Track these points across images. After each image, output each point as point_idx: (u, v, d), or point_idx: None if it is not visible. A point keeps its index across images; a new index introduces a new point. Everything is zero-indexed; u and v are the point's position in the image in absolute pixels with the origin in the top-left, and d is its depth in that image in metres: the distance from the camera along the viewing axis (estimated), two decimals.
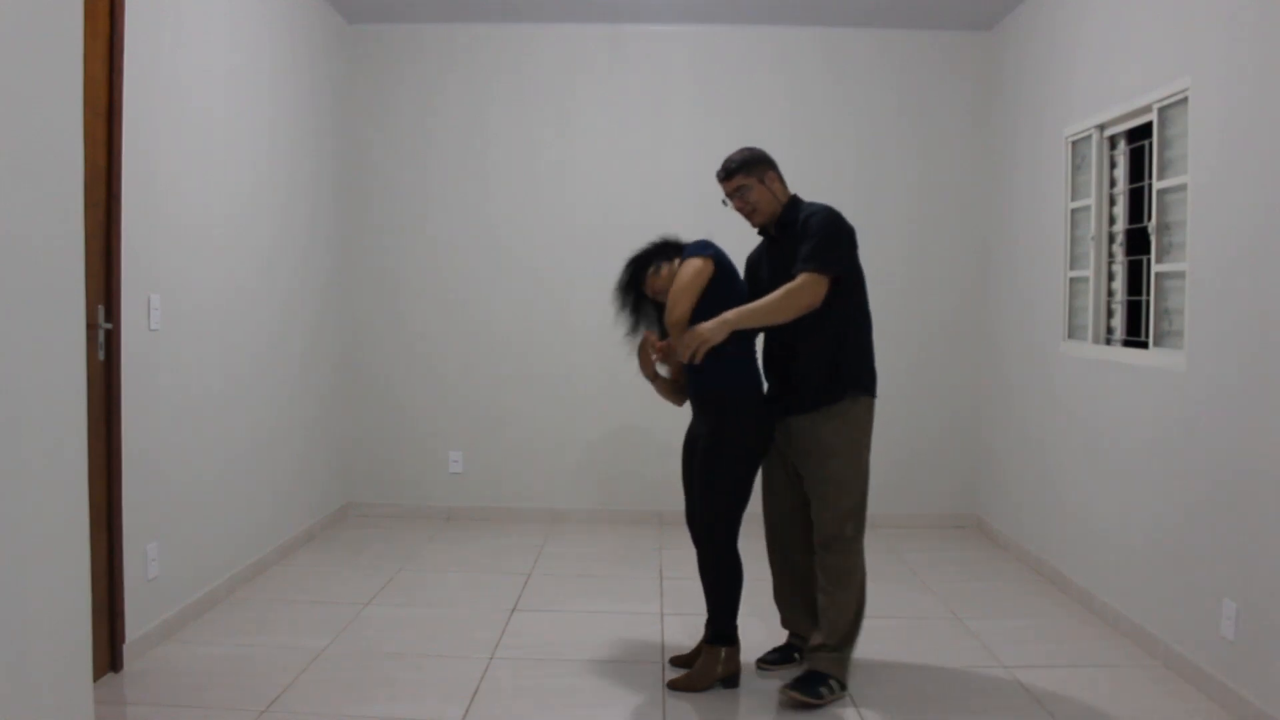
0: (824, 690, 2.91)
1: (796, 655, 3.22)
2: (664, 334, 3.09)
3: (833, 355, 2.98)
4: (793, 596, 3.22)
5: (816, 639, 3.00)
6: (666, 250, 3.12)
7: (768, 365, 3.14)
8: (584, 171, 5.31)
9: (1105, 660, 3.36)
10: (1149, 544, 3.43)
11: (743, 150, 3.13)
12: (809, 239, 2.92)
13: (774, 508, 3.19)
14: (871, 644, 3.28)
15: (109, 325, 3.01)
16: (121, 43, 3.02)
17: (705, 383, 3.02)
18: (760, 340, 3.13)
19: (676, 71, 5.30)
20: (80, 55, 2.07)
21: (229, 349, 3.87)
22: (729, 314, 2.87)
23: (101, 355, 2.98)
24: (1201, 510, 3.10)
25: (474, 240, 5.34)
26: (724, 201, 3.17)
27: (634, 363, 3.06)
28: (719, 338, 2.85)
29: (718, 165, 3.15)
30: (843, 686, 2.96)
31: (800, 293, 2.86)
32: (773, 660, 3.24)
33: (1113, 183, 3.97)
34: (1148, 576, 3.43)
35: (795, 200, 3.12)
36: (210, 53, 3.72)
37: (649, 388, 5.14)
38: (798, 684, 2.94)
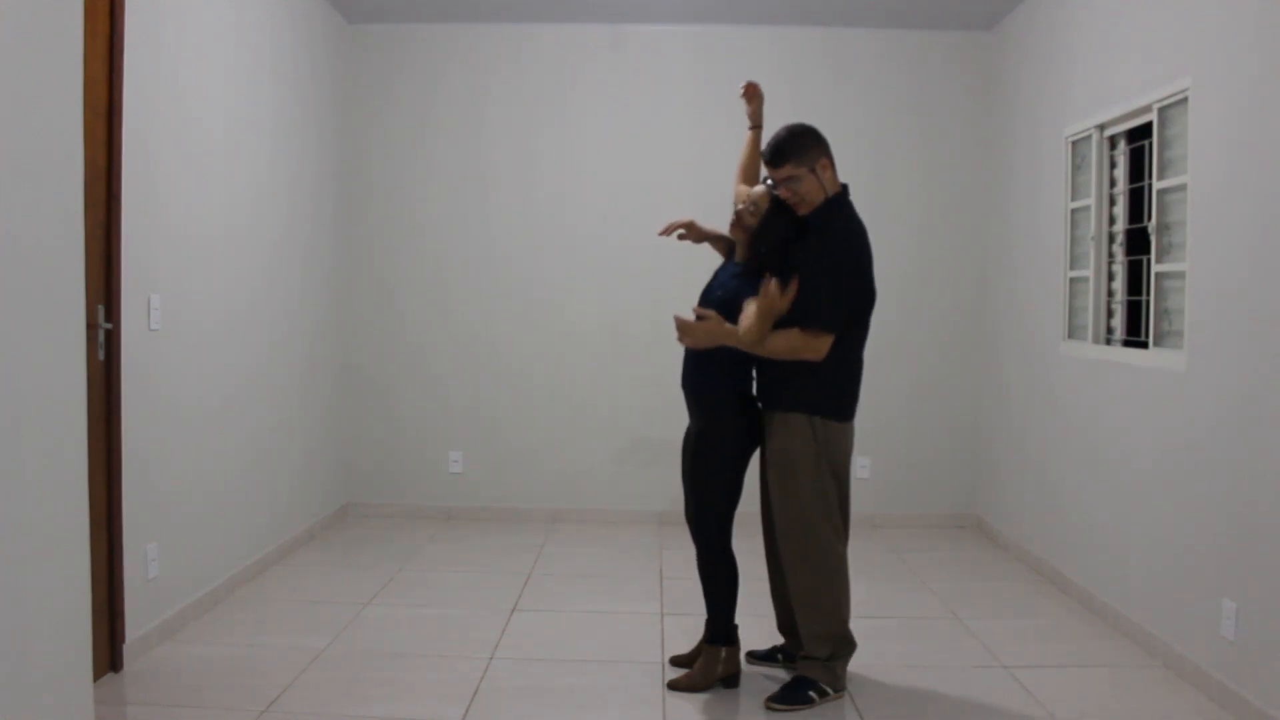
0: (810, 694, 2.90)
1: (780, 657, 3.22)
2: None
3: (798, 369, 2.87)
4: (786, 599, 3.16)
5: (803, 650, 3.00)
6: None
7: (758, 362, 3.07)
8: (584, 172, 5.31)
9: (1105, 660, 3.36)
10: (1149, 544, 3.43)
11: (795, 130, 2.87)
12: (820, 286, 2.78)
13: (767, 509, 3.16)
14: (871, 644, 3.27)
15: (109, 325, 3.01)
16: (121, 43, 3.02)
17: (696, 383, 3.02)
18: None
19: (677, 71, 5.29)
20: (80, 55, 2.07)
21: (229, 349, 3.87)
22: (736, 335, 2.83)
23: (101, 355, 2.98)
24: (1201, 510, 3.10)
25: (473, 238, 5.34)
26: (766, 181, 2.97)
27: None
28: (701, 344, 2.89)
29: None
30: (835, 690, 2.95)
31: (805, 350, 2.80)
32: (761, 655, 3.24)
33: (1113, 183, 3.96)
34: (1148, 576, 3.43)
35: (839, 199, 2.91)
36: (210, 53, 3.72)
37: (648, 388, 5.16)
38: (778, 692, 2.93)
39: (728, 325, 2.85)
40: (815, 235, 2.87)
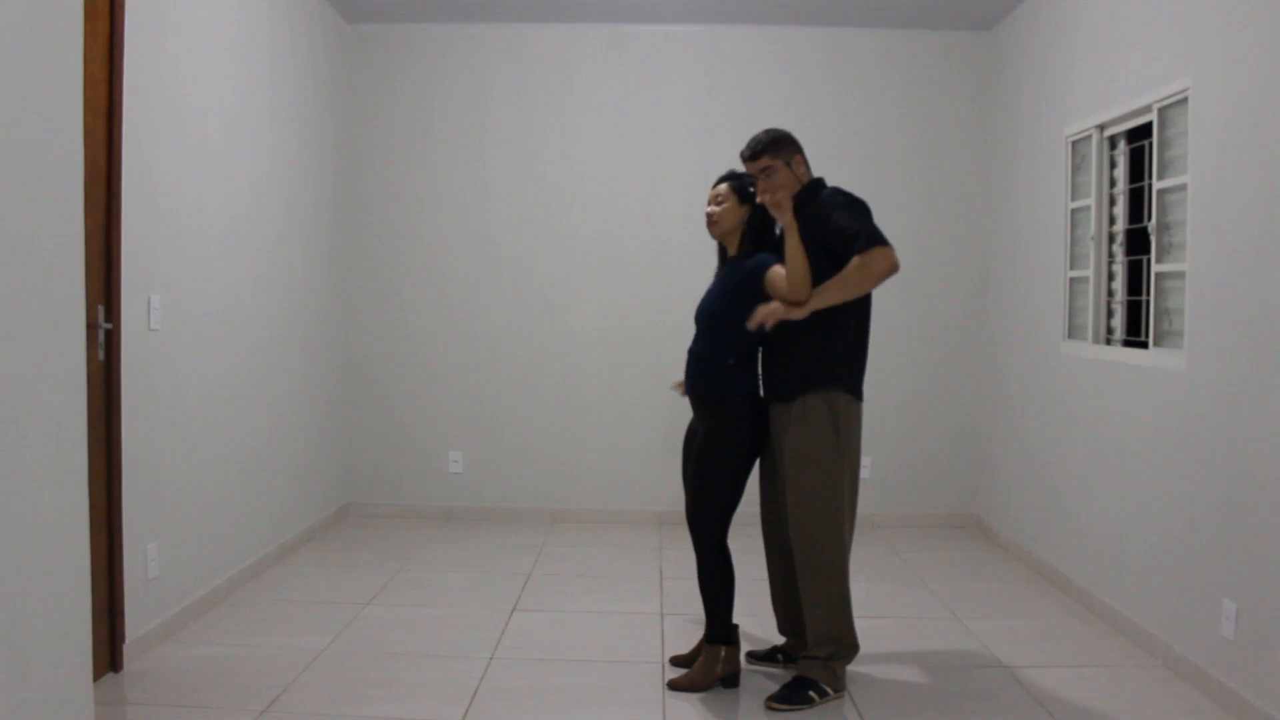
0: (810, 694, 2.90)
1: (780, 657, 3.22)
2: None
3: (817, 348, 2.90)
4: (786, 600, 3.18)
5: (806, 649, 3.00)
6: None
7: (764, 355, 3.08)
8: (584, 172, 5.31)
9: (1105, 660, 3.36)
10: (1149, 544, 3.43)
11: (769, 131, 3.05)
12: (848, 222, 2.82)
13: (768, 509, 3.18)
14: (871, 644, 3.28)
15: (109, 325, 3.01)
16: (121, 43, 3.02)
17: (704, 388, 3.03)
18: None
19: (677, 71, 5.29)
20: (80, 55, 2.07)
21: (229, 349, 3.87)
22: (813, 298, 2.85)
23: (101, 355, 2.98)
24: (1201, 510, 3.10)
25: (473, 239, 5.34)
26: (722, 177, 3.12)
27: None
28: (797, 315, 2.85)
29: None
30: (835, 691, 2.94)
31: (876, 263, 2.77)
32: (760, 656, 3.25)
33: (1113, 183, 3.97)
34: (1148, 576, 3.43)
35: (819, 182, 3.04)
36: (210, 53, 3.72)
37: (648, 388, 5.16)
38: (778, 692, 2.93)
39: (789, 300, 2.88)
40: (809, 205, 2.95)
